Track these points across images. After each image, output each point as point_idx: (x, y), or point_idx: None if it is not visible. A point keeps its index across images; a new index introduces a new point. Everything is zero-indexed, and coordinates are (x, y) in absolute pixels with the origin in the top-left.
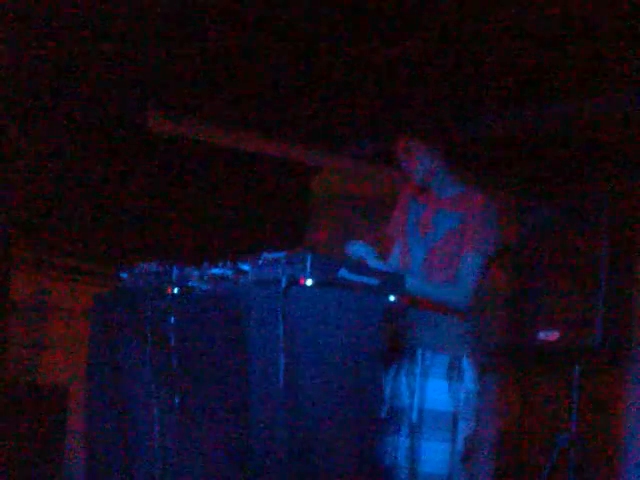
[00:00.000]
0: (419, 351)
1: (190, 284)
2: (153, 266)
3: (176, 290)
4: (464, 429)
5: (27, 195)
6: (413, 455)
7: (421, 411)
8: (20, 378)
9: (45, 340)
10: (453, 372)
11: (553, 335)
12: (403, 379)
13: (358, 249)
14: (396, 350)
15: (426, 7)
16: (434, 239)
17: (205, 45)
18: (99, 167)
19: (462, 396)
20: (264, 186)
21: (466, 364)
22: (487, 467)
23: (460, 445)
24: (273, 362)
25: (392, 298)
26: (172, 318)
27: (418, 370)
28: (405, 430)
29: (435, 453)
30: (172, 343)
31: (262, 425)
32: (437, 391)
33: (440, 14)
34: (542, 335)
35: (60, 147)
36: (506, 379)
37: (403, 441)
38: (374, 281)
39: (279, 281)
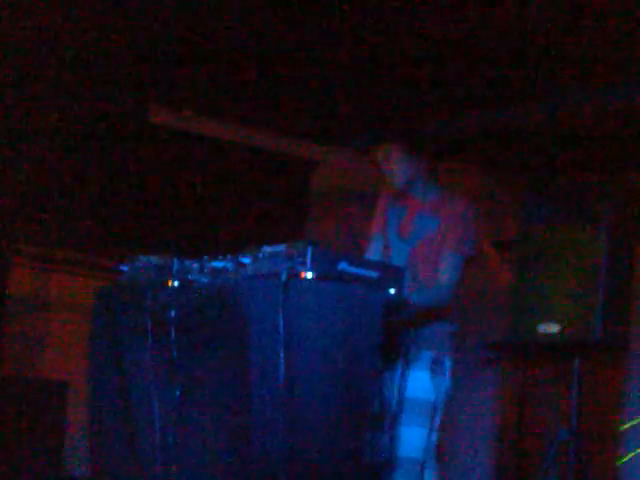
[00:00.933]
0: (403, 346)
1: (190, 277)
2: (153, 259)
3: (176, 283)
4: (438, 419)
5: (27, 189)
6: (392, 442)
7: (403, 400)
8: (19, 373)
9: (45, 335)
10: (436, 367)
11: (553, 328)
12: (386, 374)
13: None
14: (394, 345)
15: (423, 8)
16: (415, 242)
17: (206, 40)
18: (100, 160)
19: (442, 389)
20: (264, 180)
21: (447, 362)
22: (487, 461)
23: (435, 433)
24: (273, 354)
25: (392, 291)
26: (172, 311)
27: (400, 364)
28: (386, 422)
29: (412, 437)
30: (172, 336)
31: (262, 417)
32: (420, 381)
33: (437, 14)
34: (542, 328)
35: (61, 140)
36: (506, 372)
37: (384, 433)
38: (374, 274)
39: (279, 274)
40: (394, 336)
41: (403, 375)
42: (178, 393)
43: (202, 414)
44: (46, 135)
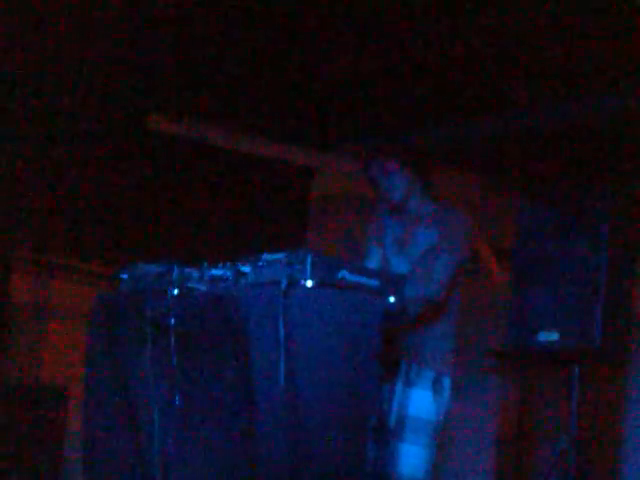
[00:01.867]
0: (404, 363)
1: (190, 285)
2: (153, 267)
3: (176, 291)
4: (438, 439)
5: (27, 196)
6: (392, 458)
7: (404, 418)
8: (20, 379)
9: (45, 341)
10: (437, 386)
11: (553, 336)
12: (386, 387)
13: None
14: (393, 355)
15: (422, 13)
16: (415, 255)
17: (205, 46)
18: (99, 168)
19: (442, 410)
20: (264, 187)
21: (446, 382)
22: (487, 468)
23: (434, 453)
24: (273, 363)
25: (392, 299)
26: (172, 319)
27: (401, 380)
28: (384, 435)
29: (415, 457)
30: (172, 344)
31: (262, 425)
32: (422, 400)
33: (437, 20)
34: (542, 336)
35: (61, 147)
36: (506, 380)
37: (380, 447)
38: (374, 282)
39: (279, 282)
40: (392, 345)
41: (404, 392)
42: (178, 401)
43: (202, 422)
44: (46, 143)
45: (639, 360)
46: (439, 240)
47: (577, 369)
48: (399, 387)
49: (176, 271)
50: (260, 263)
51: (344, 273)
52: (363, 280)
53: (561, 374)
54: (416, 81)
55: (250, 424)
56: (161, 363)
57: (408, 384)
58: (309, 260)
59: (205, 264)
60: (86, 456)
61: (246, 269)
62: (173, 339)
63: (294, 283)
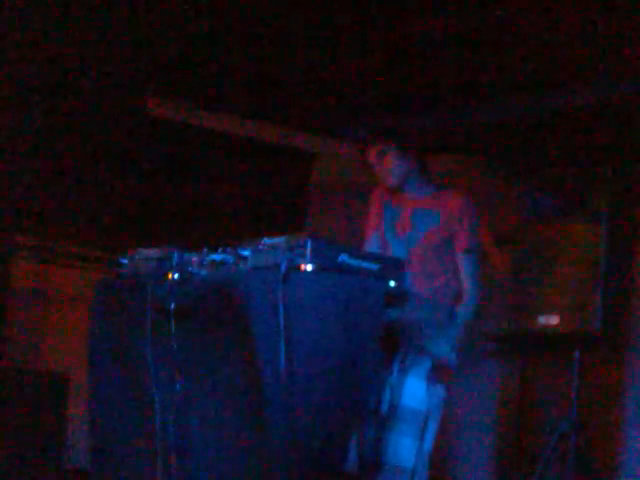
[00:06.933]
0: (401, 351)
1: (190, 270)
2: (153, 252)
3: (176, 276)
4: (432, 429)
5: (28, 182)
6: (381, 447)
7: (397, 406)
8: (20, 365)
9: (45, 327)
10: (431, 375)
11: (553, 320)
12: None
13: None
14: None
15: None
16: (415, 238)
17: (205, 30)
18: (99, 153)
19: (435, 400)
20: (265, 172)
21: (443, 369)
22: (487, 453)
23: (427, 443)
24: (273, 347)
25: (392, 283)
26: (172, 304)
27: (397, 368)
28: (378, 421)
29: (404, 448)
30: (172, 329)
31: (264, 409)
32: (416, 389)
33: (436, 11)
34: (542, 320)
35: (60, 133)
36: (506, 364)
37: (372, 433)
38: (375, 266)
39: (279, 266)
40: (393, 333)
41: (399, 380)
42: (179, 386)
43: (203, 406)
44: (46, 129)
45: (638, 344)
46: (447, 224)
47: (577, 353)
48: (394, 374)
49: (176, 256)
50: (260, 247)
51: (344, 257)
52: (363, 264)
53: (561, 358)
54: (416, 66)
55: (251, 408)
56: (161, 348)
57: (403, 372)
58: (309, 244)
59: (205, 249)
60: (93, 440)
61: (246, 253)
62: (173, 324)
63: (294, 267)
